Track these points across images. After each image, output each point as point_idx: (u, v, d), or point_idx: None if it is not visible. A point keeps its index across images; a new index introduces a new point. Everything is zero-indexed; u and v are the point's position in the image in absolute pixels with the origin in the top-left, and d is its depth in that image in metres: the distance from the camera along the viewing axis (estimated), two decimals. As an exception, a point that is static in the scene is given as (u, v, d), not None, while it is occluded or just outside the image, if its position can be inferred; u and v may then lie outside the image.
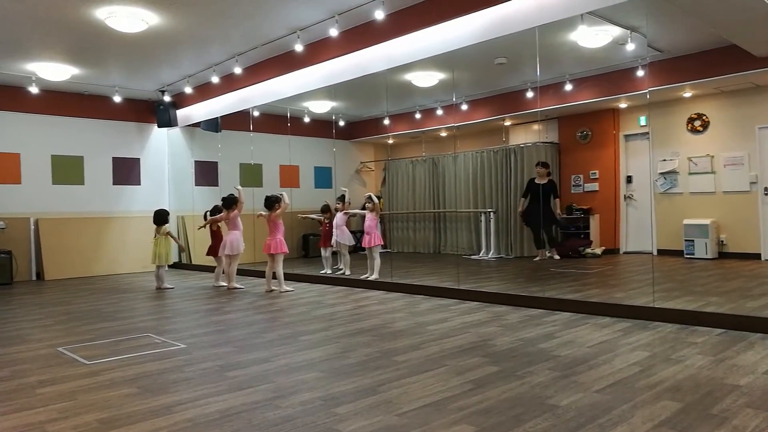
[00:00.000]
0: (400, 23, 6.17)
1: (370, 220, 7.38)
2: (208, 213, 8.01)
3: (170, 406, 2.87)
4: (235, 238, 7.30)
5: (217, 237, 7.85)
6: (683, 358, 3.52)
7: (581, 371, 3.29)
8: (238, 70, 7.99)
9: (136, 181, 10.20)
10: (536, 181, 9.15)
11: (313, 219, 8.83)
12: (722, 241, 8.67)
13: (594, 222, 9.77)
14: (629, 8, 5.66)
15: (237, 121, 9.51)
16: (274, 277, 6.97)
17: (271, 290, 6.97)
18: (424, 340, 4.16)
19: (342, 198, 8.26)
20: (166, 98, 9.75)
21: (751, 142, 8.41)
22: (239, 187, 7.44)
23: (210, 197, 9.56)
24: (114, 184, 9.92)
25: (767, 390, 2.88)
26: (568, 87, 8.69)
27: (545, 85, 8.87)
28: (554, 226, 9.28)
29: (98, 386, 3.24)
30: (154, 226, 7.51)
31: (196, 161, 10.49)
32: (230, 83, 8.51)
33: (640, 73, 7.85)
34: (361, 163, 12.48)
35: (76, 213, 9.39)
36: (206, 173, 10.40)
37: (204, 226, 8.03)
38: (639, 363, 3.42)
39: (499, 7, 5.43)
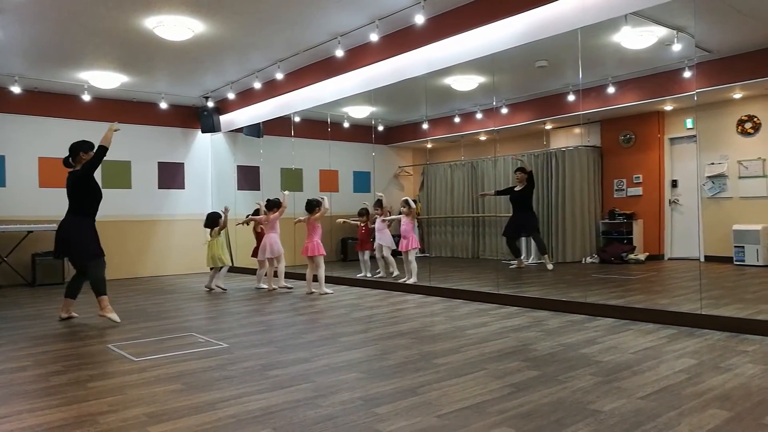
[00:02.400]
0: (440, 27, 6.18)
1: (406, 224, 7.40)
2: (250, 215, 8.18)
3: (213, 403, 2.94)
4: (273, 241, 7.45)
5: (261, 239, 7.94)
6: (733, 366, 3.41)
7: (624, 377, 3.22)
8: (279, 76, 8.13)
9: (181, 185, 10.48)
10: (515, 188, 8.72)
11: (351, 223, 8.88)
12: (775, 248, 8.35)
13: (637, 227, 9.55)
14: (676, 8, 5.52)
15: (278, 126, 9.66)
16: (315, 279, 7.06)
17: (311, 292, 7.04)
18: (463, 344, 4.14)
19: (379, 203, 8.20)
20: (210, 104, 9.99)
21: (806, 145, 8.09)
22: (287, 192, 7.56)
23: (252, 201, 9.74)
24: (159, 188, 10.21)
25: (823, 400, 2.77)
26: (611, 90, 8.53)
27: (587, 88, 8.71)
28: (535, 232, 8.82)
29: (145, 382, 3.35)
30: (207, 230, 7.65)
31: (238, 166, 10.70)
32: (272, 89, 8.67)
33: (687, 74, 7.64)
34: (400, 167, 12.50)
35: (124, 216, 9.70)
36: (248, 178, 10.59)
37: (244, 223, 8.24)
38: (686, 370, 3.33)
39: (540, 10, 5.38)
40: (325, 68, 7.73)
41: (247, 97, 9.30)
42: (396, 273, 8.01)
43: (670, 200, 9.39)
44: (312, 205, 7.11)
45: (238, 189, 10.53)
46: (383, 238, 8.10)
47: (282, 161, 10.24)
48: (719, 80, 7.70)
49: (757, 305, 5.13)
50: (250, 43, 7.12)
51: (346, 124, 10.68)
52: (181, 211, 10.32)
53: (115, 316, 5.21)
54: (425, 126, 11.23)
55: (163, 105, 9.71)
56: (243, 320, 5.46)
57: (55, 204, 9.12)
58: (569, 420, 2.58)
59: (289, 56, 7.64)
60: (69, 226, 5.31)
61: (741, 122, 8.71)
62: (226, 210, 7.71)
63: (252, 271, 8.90)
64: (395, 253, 8.08)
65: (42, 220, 8.77)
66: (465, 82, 8.33)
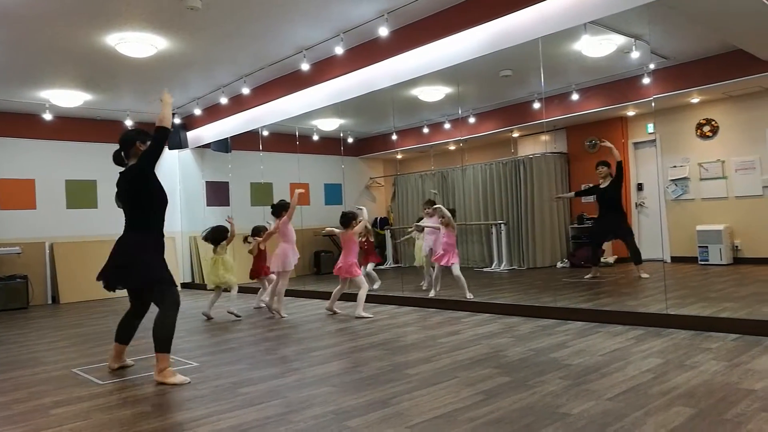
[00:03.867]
0: (404, 39, 6.24)
1: (448, 236, 6.54)
2: (248, 237, 7.27)
3: (183, 423, 2.89)
4: (284, 252, 6.26)
5: (260, 257, 7.14)
6: (697, 364, 3.48)
7: (593, 379, 3.26)
8: (246, 91, 8.10)
9: (149, 203, 10.30)
10: (600, 186, 7.73)
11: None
12: (737, 247, 8.58)
13: (606, 231, 9.70)
14: (632, 16, 5.68)
15: (246, 141, 9.61)
16: (339, 298, 6.36)
17: (334, 312, 6.27)
18: (435, 353, 4.15)
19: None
20: (176, 120, 9.89)
21: (762, 146, 8.35)
22: (300, 190, 6.23)
23: (221, 217, 9.64)
24: (127, 206, 10.04)
25: (783, 394, 2.84)
26: (575, 97, 8.70)
27: (552, 95, 8.89)
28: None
29: (112, 405, 3.27)
30: (212, 246, 6.65)
31: (207, 182, 10.60)
32: (239, 104, 8.63)
33: (646, 80, 7.85)
34: (371, 178, 12.54)
35: (91, 236, 9.51)
36: (218, 193, 10.50)
37: (256, 247, 7.07)
38: (652, 370, 3.39)
39: (501, 20, 5.48)
40: (292, 82, 7.73)
41: (214, 113, 9.24)
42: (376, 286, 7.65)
43: (636, 203, 9.57)
44: (348, 219, 6.20)
45: (208, 205, 10.42)
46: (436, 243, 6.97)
47: (251, 176, 10.17)
48: (677, 86, 7.92)
49: (720, 303, 5.25)
50: (214, 59, 7.09)
51: (315, 137, 10.68)
52: (150, 229, 10.14)
53: (180, 378, 3.71)
54: (394, 137, 11.28)
55: (129, 122, 9.57)
56: (214, 338, 5.38)
57: (14, 226, 8.96)
58: (539, 424, 2.60)
59: (254, 71, 7.62)
60: (128, 248, 3.90)
61: (700, 126, 8.96)
62: (231, 220, 6.73)
63: (250, 290, 8.23)
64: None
65: (2, 243, 8.55)
66: (432, 93, 8.42)
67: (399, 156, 12.36)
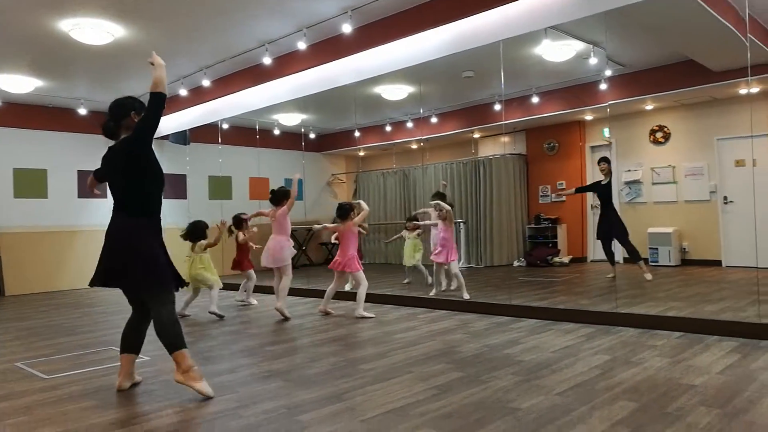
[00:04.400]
0: (368, 36, 6.24)
1: (444, 231, 6.30)
2: (230, 226, 6.76)
3: (130, 418, 2.83)
4: (278, 245, 5.78)
5: (243, 249, 6.87)
6: (642, 360, 3.59)
7: (544, 375, 3.33)
8: (206, 83, 7.96)
9: (103, 195, 10.00)
10: (602, 183, 7.59)
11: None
12: (685, 249, 8.89)
13: (561, 231, 9.93)
14: (590, 23, 5.81)
15: (206, 133, 9.45)
16: (333, 296, 5.99)
17: (327, 312, 5.86)
18: (390, 349, 4.17)
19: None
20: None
21: (710, 153, 8.67)
22: (298, 175, 6.05)
23: (179, 210, 9.47)
24: (79, 197, 9.74)
25: (720, 389, 2.96)
26: (535, 100, 8.86)
27: (512, 98, 9.04)
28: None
29: (56, 400, 3.18)
30: (190, 243, 6.10)
31: (164, 174, 10.36)
32: (198, 96, 8.47)
33: (603, 86, 8.05)
34: (333, 175, 12.50)
35: (39, 227, 9.19)
36: (175, 186, 10.28)
37: (252, 236, 6.79)
38: (600, 366, 3.49)
39: (464, 21, 5.53)
40: (254, 75, 7.63)
41: (173, 104, 9.04)
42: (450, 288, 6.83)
43: (591, 205, 9.81)
44: (345, 210, 5.83)
45: (165, 198, 10.18)
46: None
47: (210, 169, 10.01)
48: (631, 92, 8.15)
49: (667, 303, 5.44)
50: (174, 49, 6.94)
51: (276, 131, 10.58)
52: (104, 221, 9.71)
53: (206, 388, 3.15)
54: (357, 134, 11.28)
55: (83, 111, 9.29)
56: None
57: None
58: (489, 419, 2.65)
59: (215, 63, 7.50)
60: (122, 234, 3.33)
61: (653, 132, 9.24)
62: (223, 224, 6.24)
63: (230, 287, 7.67)
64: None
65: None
66: (394, 92, 8.44)
67: (361, 153, 12.36)
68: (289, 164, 11.13)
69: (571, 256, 9.71)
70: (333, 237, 6.61)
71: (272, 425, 2.66)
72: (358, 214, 5.88)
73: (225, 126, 9.47)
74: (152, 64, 3.34)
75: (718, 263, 8.50)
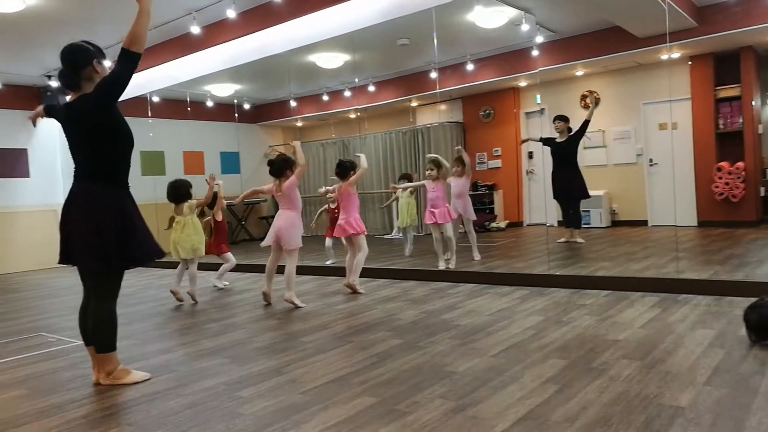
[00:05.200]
0: (300, 3, 6.10)
1: (436, 189, 5.88)
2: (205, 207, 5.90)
3: (62, 405, 2.74)
4: (289, 222, 4.83)
5: (219, 229, 6.07)
6: (572, 319, 3.77)
7: (480, 338, 3.45)
8: (131, 53, 7.59)
9: (24, 174, 9.52)
10: (557, 139, 7.51)
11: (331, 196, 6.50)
12: (614, 210, 9.28)
13: (498, 197, 10.16)
14: (520, -10, 5.89)
15: (134, 106, 9.01)
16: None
17: (353, 287, 5.28)
18: (331, 320, 4.20)
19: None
20: (54, 84, 9.11)
21: (637, 117, 9.01)
22: (297, 141, 5.06)
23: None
24: (-7, 175, 9.22)
25: (641, 342, 3.15)
26: (470, 67, 8.93)
27: (447, 65, 9.07)
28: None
29: (-18, 391, 3.04)
30: (173, 205, 5.40)
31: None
32: (124, 66, 8.08)
33: (535, 53, 8.19)
34: (270, 146, 12.26)
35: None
36: (104, 162, 9.87)
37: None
38: (533, 327, 3.63)
39: (396, -12, 5.49)
40: (182, 45, 7.34)
41: (97, 76, 8.60)
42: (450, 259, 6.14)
43: (527, 171, 10.07)
44: (345, 168, 5.28)
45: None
46: (465, 206, 6.44)
47: (140, 144, 9.47)
48: (561, 58, 8.34)
49: (597, 263, 5.70)
50: (93, 17, 6.56)
51: (209, 103, 10.26)
52: (26, 201, 9.39)
53: (138, 375, 3.04)
54: (293, 104, 11.08)
55: (-4, 84, 8.72)
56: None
57: None
58: (427, 383, 2.72)
59: (140, 31, 7.14)
60: (90, 204, 2.96)
61: (583, 97, 9.50)
62: (213, 178, 5.56)
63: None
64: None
65: None
66: (330, 60, 8.31)
67: (299, 124, 12.16)
68: (224, 136, 10.85)
69: (507, 221, 9.97)
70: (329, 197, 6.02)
71: (212, 402, 2.64)
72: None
73: (155, 99, 9.10)
74: (138, 1, 2.90)
75: (644, 223, 8.94)
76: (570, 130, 7.69)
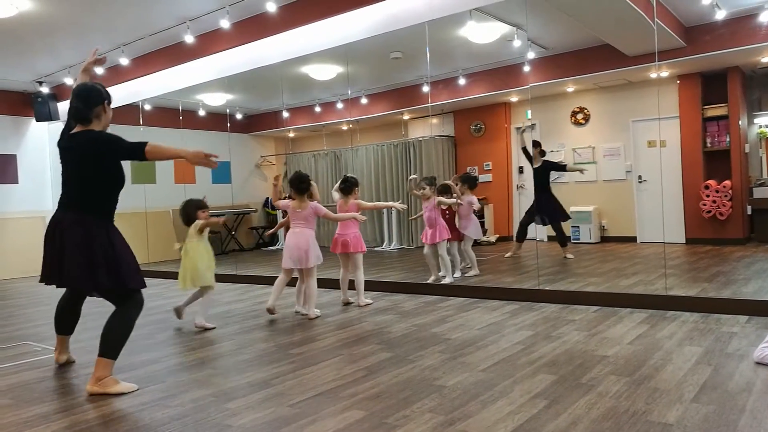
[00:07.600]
0: (294, 15, 6.13)
1: (429, 210, 5.87)
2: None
3: (47, 415, 2.71)
4: (304, 241, 4.73)
5: None
6: (562, 334, 3.78)
7: (469, 352, 3.45)
8: (124, 61, 7.59)
9: (13, 180, 9.44)
10: (533, 166, 7.75)
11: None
12: (603, 226, 9.35)
13: (488, 211, 10.20)
14: (512, 6, 5.95)
15: (125, 114, 8.97)
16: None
17: (349, 302, 5.34)
18: (321, 332, 4.19)
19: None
20: (45, 90, 9.07)
21: (626, 134, 9.11)
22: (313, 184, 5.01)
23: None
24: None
25: (629, 358, 3.17)
26: (462, 81, 9.00)
27: (440, 79, 9.14)
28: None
29: (-35, 400, 3.00)
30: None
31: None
32: (117, 75, 8.06)
33: (526, 68, 8.28)
34: (262, 156, 12.26)
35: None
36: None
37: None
38: (522, 342, 3.64)
39: (391, 2, 5.54)
40: (175, 54, 7.34)
41: (89, 83, 8.57)
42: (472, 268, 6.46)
43: (517, 185, 10.13)
44: (351, 184, 5.25)
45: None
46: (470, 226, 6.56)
47: (131, 152, 9.57)
48: (552, 75, 8.43)
49: (586, 279, 5.72)
50: (87, 24, 6.56)
51: (201, 112, 10.25)
52: (15, 208, 9.31)
53: (125, 386, 3.04)
54: (285, 114, 11.10)
55: (-12, 91, 8.68)
56: (88, 323, 5.05)
57: None
58: (416, 397, 2.72)
59: (133, 40, 7.14)
60: (83, 230, 3.05)
61: (574, 113, 9.61)
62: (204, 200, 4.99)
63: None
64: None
65: None
66: (323, 72, 8.34)
67: (291, 134, 12.18)
68: (216, 146, 10.70)
69: (497, 236, 10.01)
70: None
71: (199, 414, 2.62)
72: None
73: (147, 107, 9.08)
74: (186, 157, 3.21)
75: (633, 239, 9.00)
76: (543, 153, 7.85)
